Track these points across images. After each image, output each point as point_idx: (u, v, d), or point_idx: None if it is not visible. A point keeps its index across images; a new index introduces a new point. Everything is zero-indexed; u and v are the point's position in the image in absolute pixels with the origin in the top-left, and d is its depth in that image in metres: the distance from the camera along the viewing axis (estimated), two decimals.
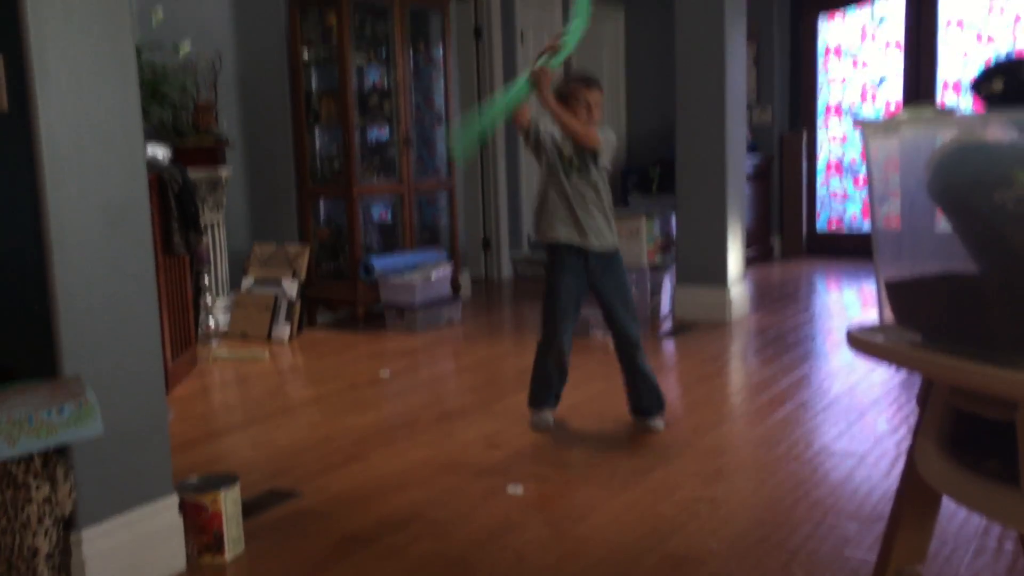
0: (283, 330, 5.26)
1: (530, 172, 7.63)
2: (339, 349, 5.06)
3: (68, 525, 2.20)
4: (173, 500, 2.44)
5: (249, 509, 2.77)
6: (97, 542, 2.25)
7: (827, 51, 8.09)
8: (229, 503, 2.51)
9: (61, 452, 2.16)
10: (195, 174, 4.83)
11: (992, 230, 1.33)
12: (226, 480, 2.56)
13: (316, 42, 5.62)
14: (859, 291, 6.58)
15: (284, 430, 3.64)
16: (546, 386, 3.52)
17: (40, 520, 2.07)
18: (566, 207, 3.38)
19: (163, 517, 2.41)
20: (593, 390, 4.03)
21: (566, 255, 3.40)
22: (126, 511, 2.33)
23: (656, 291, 5.51)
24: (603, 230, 3.39)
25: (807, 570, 2.35)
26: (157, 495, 2.40)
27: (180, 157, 4.62)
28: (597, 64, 8.39)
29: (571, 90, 3.37)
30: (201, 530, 2.48)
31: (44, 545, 2.08)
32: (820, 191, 8.27)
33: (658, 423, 3.47)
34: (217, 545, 2.48)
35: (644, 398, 3.48)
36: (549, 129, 3.39)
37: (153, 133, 4.96)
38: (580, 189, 3.37)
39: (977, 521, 2.55)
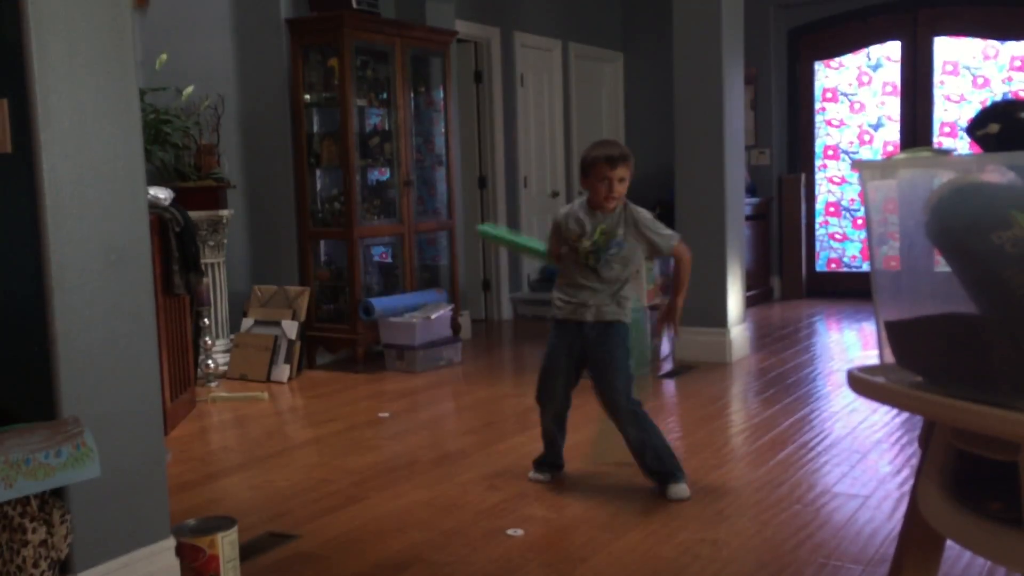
0: (282, 371, 5.25)
1: (530, 213, 7.66)
2: (339, 390, 5.05)
3: (64, 568, 2.18)
4: (170, 543, 2.42)
5: (247, 552, 2.74)
6: None
7: (824, 94, 8.16)
8: (227, 546, 2.48)
9: (58, 494, 2.15)
10: (196, 215, 4.85)
11: (991, 271, 1.34)
12: (224, 523, 2.53)
13: (317, 85, 5.67)
14: (859, 332, 6.57)
15: (283, 472, 3.62)
16: (548, 443, 3.44)
17: (36, 563, 2.05)
18: (573, 286, 3.26)
19: (160, 560, 2.38)
20: (593, 431, 4.01)
21: (562, 322, 3.32)
22: (123, 554, 2.30)
23: (656, 332, 5.50)
24: (604, 304, 3.23)
25: None
26: (154, 538, 2.38)
27: (182, 198, 4.65)
28: (596, 107, 8.46)
29: (591, 164, 3.20)
30: (198, 573, 2.45)
31: None
32: (819, 232, 8.30)
33: (674, 491, 3.19)
34: None
35: (639, 462, 3.28)
36: (571, 227, 3.25)
37: (155, 174, 4.99)
38: (595, 273, 3.23)
39: (981, 563, 2.53)
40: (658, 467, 3.22)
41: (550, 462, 3.45)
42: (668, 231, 3.31)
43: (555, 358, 3.36)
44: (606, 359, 3.26)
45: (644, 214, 3.29)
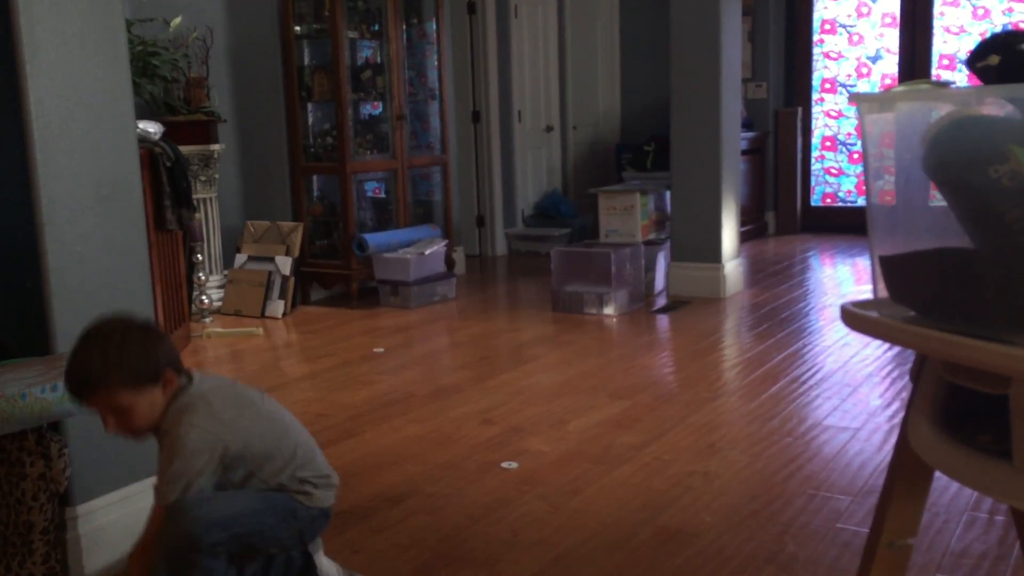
0: (277, 307, 5.25)
1: (524, 147, 7.60)
2: (333, 325, 5.06)
3: (63, 501, 2.20)
4: None
5: None
6: (91, 517, 2.26)
7: (822, 26, 8.05)
8: None
9: (55, 428, 2.16)
10: (187, 150, 4.80)
11: (986, 205, 1.33)
12: None
13: (308, 16, 5.57)
14: (853, 267, 6.58)
15: None
16: None
17: (35, 496, 2.07)
18: None
19: None
20: (587, 366, 4.04)
21: None
22: (121, 487, 2.33)
23: (650, 267, 5.51)
24: None
25: (800, 543, 2.37)
26: (151, 471, 2.40)
27: (172, 133, 4.59)
28: (591, 39, 8.34)
29: None
30: None
31: (39, 520, 2.08)
32: (815, 167, 8.26)
33: None
34: None
35: None
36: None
37: (145, 108, 4.93)
38: None
39: (968, 493, 2.57)
40: None
41: None
42: (176, 469, 1.83)
43: None
44: None
45: (180, 426, 1.86)
